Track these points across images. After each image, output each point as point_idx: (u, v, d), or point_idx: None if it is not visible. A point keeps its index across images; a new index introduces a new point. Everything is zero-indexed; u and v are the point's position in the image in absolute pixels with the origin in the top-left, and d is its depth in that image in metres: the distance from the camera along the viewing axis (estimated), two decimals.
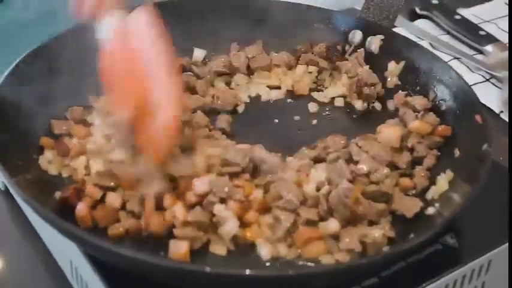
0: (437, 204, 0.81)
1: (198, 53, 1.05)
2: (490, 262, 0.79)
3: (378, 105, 1.00)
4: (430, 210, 0.81)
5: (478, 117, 0.85)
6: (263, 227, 0.78)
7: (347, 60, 1.04)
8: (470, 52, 1.27)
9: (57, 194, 0.79)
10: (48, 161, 0.84)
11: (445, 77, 0.94)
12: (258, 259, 0.76)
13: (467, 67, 1.22)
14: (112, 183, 0.80)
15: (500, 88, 1.16)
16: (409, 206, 0.81)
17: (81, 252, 0.74)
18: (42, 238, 0.85)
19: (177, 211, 0.76)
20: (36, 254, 0.85)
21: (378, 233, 0.77)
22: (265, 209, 0.79)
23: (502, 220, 0.81)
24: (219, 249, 0.76)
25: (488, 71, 1.20)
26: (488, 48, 1.26)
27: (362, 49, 1.04)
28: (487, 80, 1.19)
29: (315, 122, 0.97)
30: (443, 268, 0.76)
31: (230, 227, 0.76)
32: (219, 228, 0.76)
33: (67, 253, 0.78)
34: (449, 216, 0.74)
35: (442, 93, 0.94)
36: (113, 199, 0.79)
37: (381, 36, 1.03)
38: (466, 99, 0.90)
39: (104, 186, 0.80)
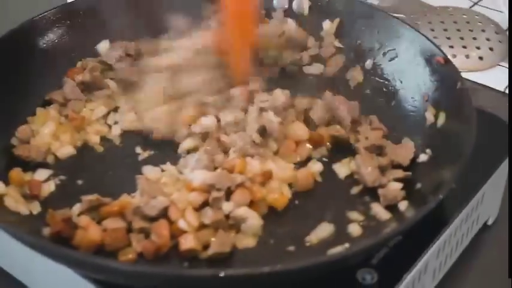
0: (428, 150, 0.81)
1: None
2: (484, 195, 0.81)
3: (318, 68, 0.97)
4: (423, 157, 0.81)
5: (439, 59, 0.86)
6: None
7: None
8: None
9: (46, 231, 0.70)
10: (15, 201, 0.74)
11: (387, 26, 0.93)
12: (289, 236, 0.73)
13: None
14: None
15: None
16: (403, 154, 0.81)
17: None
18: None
19: (189, 216, 0.71)
20: None
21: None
22: (267, 176, 0.76)
23: (486, 151, 0.82)
24: (247, 241, 0.72)
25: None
26: None
27: (281, 8, 1.01)
28: None
29: None
30: (452, 211, 0.76)
31: (252, 223, 0.72)
32: (242, 225, 0.72)
33: None
34: (459, 169, 0.72)
35: (389, 43, 0.93)
36: (114, 223, 0.71)
37: None
38: (419, 44, 0.89)
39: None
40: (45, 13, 0.92)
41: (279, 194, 0.76)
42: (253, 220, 0.72)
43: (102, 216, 0.72)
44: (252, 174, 0.76)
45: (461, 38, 1.16)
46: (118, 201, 0.73)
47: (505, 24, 1.19)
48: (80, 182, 0.79)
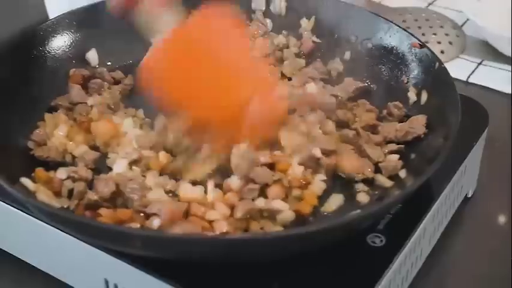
0: None
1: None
2: (465, 168, 0.88)
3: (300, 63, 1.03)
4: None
5: (415, 44, 0.93)
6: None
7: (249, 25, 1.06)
8: None
9: None
10: (47, 195, 0.78)
11: (361, 19, 1.00)
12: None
13: None
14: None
15: None
16: (394, 132, 0.87)
17: (125, 262, 0.71)
18: (48, 272, 0.80)
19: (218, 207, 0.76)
20: None
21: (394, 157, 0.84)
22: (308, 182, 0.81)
23: (464, 128, 0.84)
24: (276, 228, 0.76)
25: None
26: None
27: (260, 10, 1.06)
28: None
29: None
30: (442, 182, 0.82)
31: (286, 215, 0.77)
32: (276, 216, 0.76)
33: (99, 272, 0.74)
34: (450, 143, 0.77)
35: (365, 34, 1.00)
36: None
37: None
38: (392, 32, 0.97)
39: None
40: (44, 24, 0.95)
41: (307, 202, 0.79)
42: (287, 213, 0.76)
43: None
44: (292, 177, 0.79)
45: (423, 34, 1.26)
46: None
47: (460, 21, 1.31)
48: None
